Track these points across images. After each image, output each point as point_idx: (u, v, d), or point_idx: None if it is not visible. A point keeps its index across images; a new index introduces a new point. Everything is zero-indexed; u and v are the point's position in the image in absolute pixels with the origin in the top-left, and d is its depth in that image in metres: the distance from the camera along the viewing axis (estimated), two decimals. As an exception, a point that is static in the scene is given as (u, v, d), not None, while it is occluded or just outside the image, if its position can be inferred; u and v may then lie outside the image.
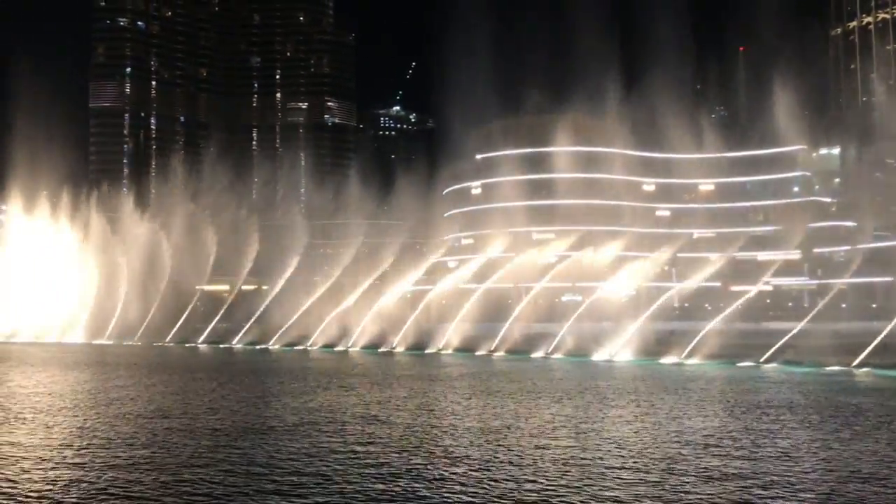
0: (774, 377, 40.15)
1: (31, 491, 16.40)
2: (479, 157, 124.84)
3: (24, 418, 26.43)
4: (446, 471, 17.94)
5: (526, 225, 77.54)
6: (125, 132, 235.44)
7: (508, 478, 17.30)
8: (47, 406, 29.43)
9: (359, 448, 20.64)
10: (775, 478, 17.33)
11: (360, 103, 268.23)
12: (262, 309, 70.44)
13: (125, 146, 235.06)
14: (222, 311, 73.47)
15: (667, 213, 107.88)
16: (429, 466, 18.34)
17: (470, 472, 17.77)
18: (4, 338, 78.43)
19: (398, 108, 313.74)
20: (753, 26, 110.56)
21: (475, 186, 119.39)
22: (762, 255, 75.87)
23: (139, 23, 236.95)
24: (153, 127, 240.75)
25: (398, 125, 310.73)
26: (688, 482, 16.87)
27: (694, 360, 47.69)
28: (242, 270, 74.60)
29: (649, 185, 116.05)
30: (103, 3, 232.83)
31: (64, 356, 57.39)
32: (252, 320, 70.21)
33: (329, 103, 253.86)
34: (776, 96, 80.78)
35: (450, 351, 57.91)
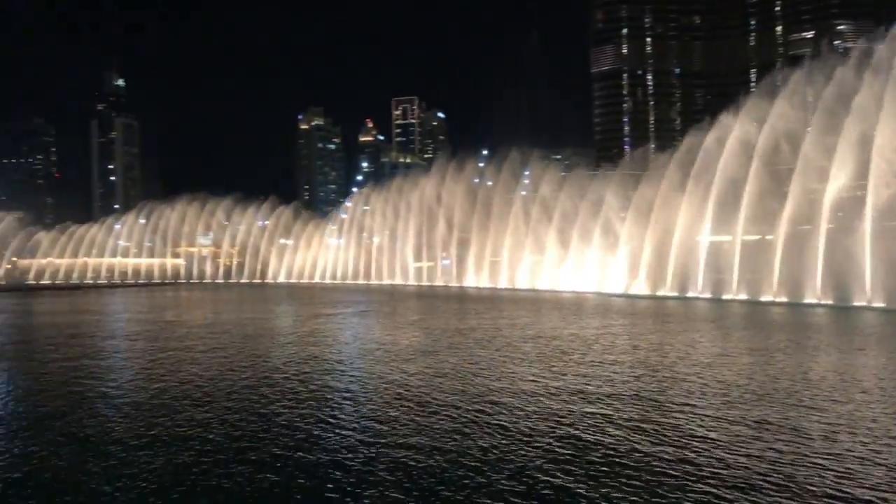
0: None
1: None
2: None
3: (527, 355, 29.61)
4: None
5: None
6: (624, 92, 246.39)
7: None
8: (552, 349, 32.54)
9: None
10: None
11: (880, 19, 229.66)
12: (737, 259, 66.83)
13: (624, 105, 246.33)
14: (702, 262, 71.78)
15: None
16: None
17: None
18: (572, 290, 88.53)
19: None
20: None
21: None
22: None
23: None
24: (649, 84, 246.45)
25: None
26: None
27: None
28: (740, 220, 70.36)
29: None
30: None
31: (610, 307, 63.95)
32: (735, 271, 66.84)
33: (840, 27, 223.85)
34: None
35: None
